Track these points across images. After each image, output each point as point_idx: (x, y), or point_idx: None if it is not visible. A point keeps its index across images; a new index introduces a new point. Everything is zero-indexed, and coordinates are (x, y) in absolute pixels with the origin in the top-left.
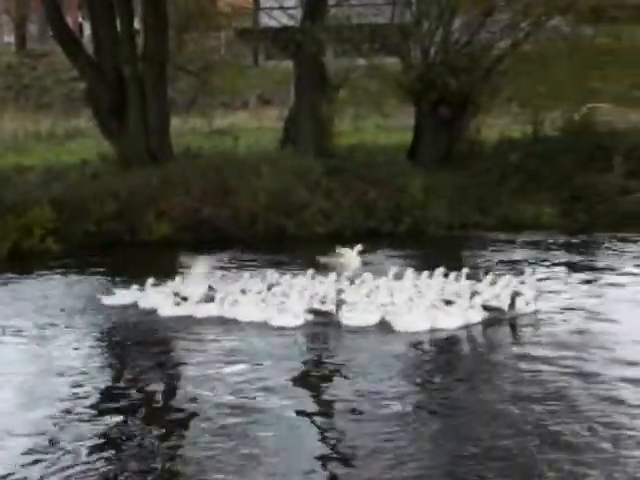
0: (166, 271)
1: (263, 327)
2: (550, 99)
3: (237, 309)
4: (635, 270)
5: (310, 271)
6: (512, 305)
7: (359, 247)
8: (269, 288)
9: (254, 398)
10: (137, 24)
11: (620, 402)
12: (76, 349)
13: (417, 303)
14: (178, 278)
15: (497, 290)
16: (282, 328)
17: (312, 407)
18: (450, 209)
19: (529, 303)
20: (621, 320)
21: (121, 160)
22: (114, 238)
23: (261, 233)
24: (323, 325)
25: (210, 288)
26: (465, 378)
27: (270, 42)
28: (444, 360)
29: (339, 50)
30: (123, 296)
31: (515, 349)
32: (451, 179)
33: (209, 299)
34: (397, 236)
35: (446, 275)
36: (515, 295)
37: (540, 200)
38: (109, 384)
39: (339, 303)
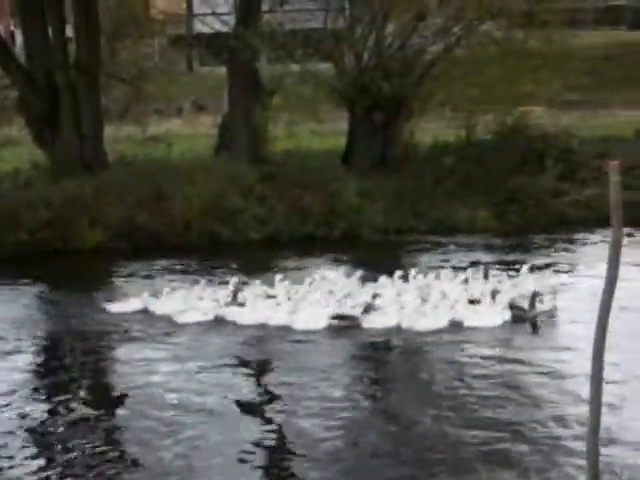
0: (104, 279)
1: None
2: (482, 103)
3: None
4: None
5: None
6: (532, 304)
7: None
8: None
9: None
10: (69, 32)
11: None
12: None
13: (442, 303)
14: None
15: (519, 290)
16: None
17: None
18: (385, 213)
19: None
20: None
21: (54, 169)
22: (47, 247)
23: (195, 240)
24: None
25: (235, 292)
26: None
27: (204, 48)
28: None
29: (273, 56)
30: (128, 304)
31: None
32: (385, 183)
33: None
34: (332, 241)
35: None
36: (535, 295)
37: (474, 203)
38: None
39: (368, 308)
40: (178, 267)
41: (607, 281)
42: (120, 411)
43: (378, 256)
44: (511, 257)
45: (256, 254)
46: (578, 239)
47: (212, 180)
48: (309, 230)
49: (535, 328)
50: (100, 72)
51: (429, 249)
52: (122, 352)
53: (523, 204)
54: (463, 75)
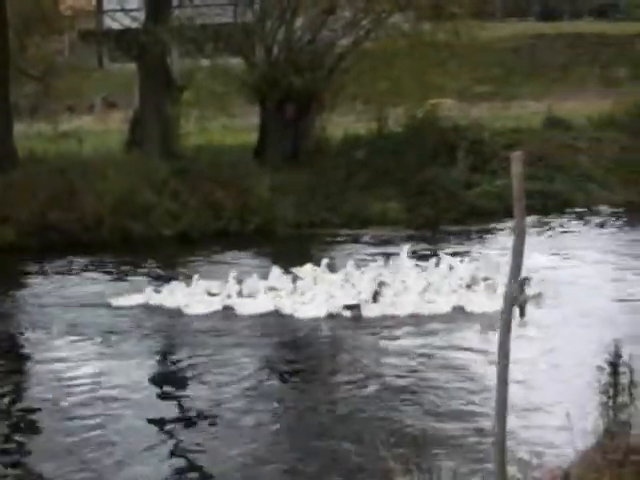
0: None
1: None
2: (393, 96)
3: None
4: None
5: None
6: (522, 290)
7: None
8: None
9: None
10: None
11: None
12: None
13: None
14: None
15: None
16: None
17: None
18: (297, 207)
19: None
20: None
21: None
22: None
23: (107, 236)
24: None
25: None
26: None
27: (114, 44)
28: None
29: (183, 51)
30: (132, 298)
31: None
32: (298, 178)
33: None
34: (245, 236)
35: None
36: (525, 280)
37: (386, 196)
38: None
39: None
40: (89, 264)
41: (510, 270)
42: None
43: (292, 250)
44: (422, 247)
45: (169, 250)
46: (489, 229)
47: (124, 176)
48: (222, 225)
49: (523, 312)
50: (9, 68)
51: (342, 242)
52: None
53: (434, 196)
54: (373, 68)
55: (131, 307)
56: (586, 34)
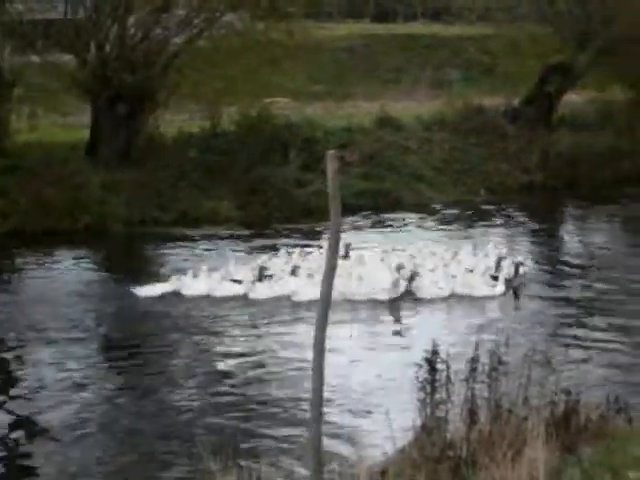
0: None
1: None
2: (227, 94)
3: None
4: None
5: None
6: (517, 274)
7: None
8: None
9: None
10: None
11: None
12: None
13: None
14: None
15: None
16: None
17: None
18: (129, 205)
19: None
20: None
21: None
22: None
23: None
24: None
25: (262, 269)
26: None
27: None
28: None
29: (13, 46)
30: (156, 287)
31: None
32: (130, 175)
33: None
34: (76, 233)
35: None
36: (518, 265)
37: (218, 194)
38: None
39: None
40: None
41: (327, 268)
42: None
43: (124, 248)
44: (257, 244)
45: None
46: (319, 227)
47: None
48: (52, 224)
49: (517, 295)
50: None
51: (173, 240)
52: None
53: (266, 194)
54: (207, 66)
55: None
56: (419, 36)
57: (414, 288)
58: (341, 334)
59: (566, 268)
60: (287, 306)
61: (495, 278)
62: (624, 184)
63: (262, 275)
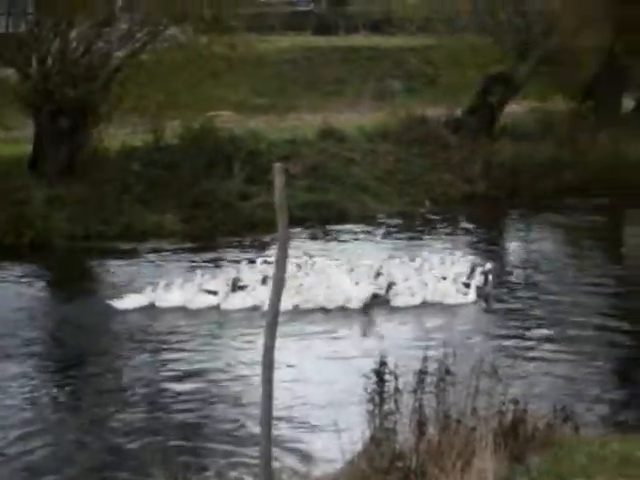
0: None
1: None
2: (170, 108)
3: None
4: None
5: None
6: (486, 282)
7: None
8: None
9: None
10: None
11: None
12: None
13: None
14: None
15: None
16: None
17: None
18: (73, 220)
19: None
20: None
21: None
22: None
23: None
24: None
25: (236, 279)
26: None
27: None
28: None
29: None
30: (135, 299)
31: None
32: (74, 190)
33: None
34: (20, 249)
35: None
36: (488, 273)
37: (162, 208)
38: None
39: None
40: None
41: (275, 280)
42: None
43: (68, 263)
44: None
45: None
46: (264, 240)
47: None
48: None
49: (488, 302)
50: None
51: (117, 253)
52: None
53: (211, 207)
54: (150, 80)
55: None
56: (361, 48)
57: (390, 296)
58: (293, 347)
59: (512, 278)
60: (257, 317)
61: (467, 285)
62: (565, 194)
63: (236, 286)
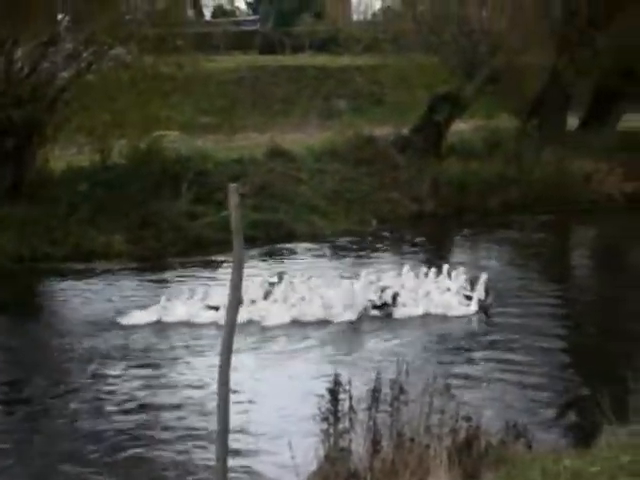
0: None
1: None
2: (116, 127)
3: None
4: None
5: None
6: (487, 295)
7: None
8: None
9: None
10: None
11: None
12: None
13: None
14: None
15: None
16: None
17: None
18: (19, 241)
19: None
20: None
21: None
22: None
23: None
24: None
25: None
26: None
27: None
28: None
29: None
30: (142, 316)
31: None
32: (19, 211)
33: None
34: None
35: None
36: (488, 286)
37: (110, 228)
38: None
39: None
40: None
41: (231, 300)
42: None
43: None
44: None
45: None
46: (212, 260)
47: None
48: None
49: (487, 314)
50: None
51: (65, 274)
52: None
53: (159, 228)
54: (96, 100)
55: None
56: (307, 67)
57: (392, 309)
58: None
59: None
60: (254, 332)
61: (469, 297)
62: (511, 211)
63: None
